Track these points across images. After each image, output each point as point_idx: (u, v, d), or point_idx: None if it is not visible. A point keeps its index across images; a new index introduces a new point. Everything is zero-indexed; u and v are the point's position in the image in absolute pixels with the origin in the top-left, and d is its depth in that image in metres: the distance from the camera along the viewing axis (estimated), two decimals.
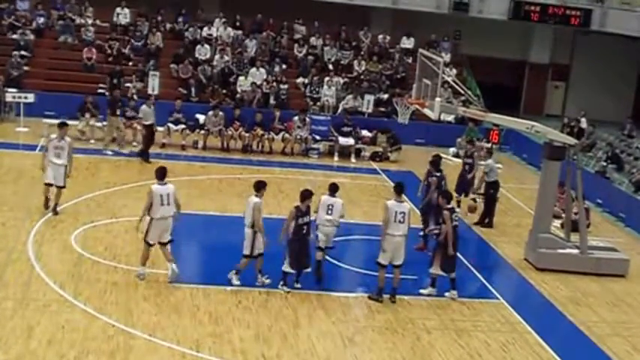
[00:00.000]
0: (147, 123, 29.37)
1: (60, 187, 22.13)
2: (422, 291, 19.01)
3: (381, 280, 18.31)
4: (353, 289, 19.04)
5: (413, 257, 21.04)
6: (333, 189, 19.17)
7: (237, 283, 18.20)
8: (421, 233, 22.01)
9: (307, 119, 32.98)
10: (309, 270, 18.48)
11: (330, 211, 18.76)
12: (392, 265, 18.27)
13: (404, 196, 18.51)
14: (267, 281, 18.33)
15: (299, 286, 18.45)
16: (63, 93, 34.13)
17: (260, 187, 18.24)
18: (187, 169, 28.24)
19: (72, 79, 36.03)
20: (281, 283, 18.28)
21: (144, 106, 29.77)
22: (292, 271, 18.29)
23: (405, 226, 18.02)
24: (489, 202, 24.88)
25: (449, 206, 18.88)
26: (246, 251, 18.12)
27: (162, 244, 18.07)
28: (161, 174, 18.04)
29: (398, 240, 17.99)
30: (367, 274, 18.95)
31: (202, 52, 38.33)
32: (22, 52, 36.12)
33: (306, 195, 18.24)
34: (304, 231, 18.13)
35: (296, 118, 32.89)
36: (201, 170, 28.25)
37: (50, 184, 22.12)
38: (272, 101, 36.18)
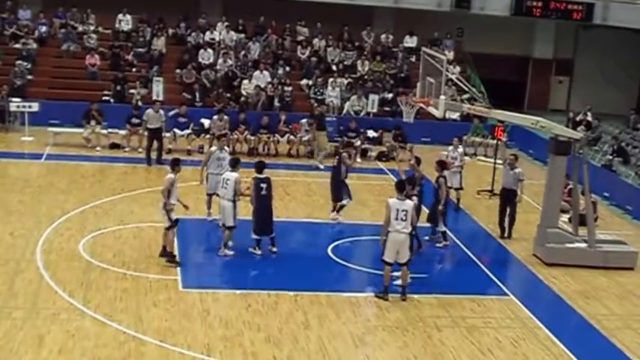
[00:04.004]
0: (151, 127, 29.49)
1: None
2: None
3: (386, 278, 18.33)
4: (362, 289, 19.02)
5: (423, 256, 21.14)
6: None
7: (232, 253, 20.37)
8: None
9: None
10: (273, 235, 20.61)
11: None
12: (398, 264, 18.31)
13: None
14: (231, 253, 20.41)
15: (259, 252, 20.45)
16: (67, 101, 34.17)
17: (235, 163, 20.87)
18: (194, 174, 28.18)
19: (76, 87, 36.07)
20: (255, 247, 20.52)
21: (150, 110, 29.97)
22: (258, 237, 20.46)
23: (408, 224, 18.00)
24: (508, 209, 23.72)
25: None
26: (231, 223, 20.27)
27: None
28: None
29: (401, 237, 17.98)
30: (376, 273, 18.91)
31: (205, 56, 38.37)
32: (25, 63, 36.17)
33: (262, 165, 20.77)
34: (266, 198, 20.40)
35: (304, 120, 32.89)
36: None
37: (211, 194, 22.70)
38: (276, 104, 36.19)
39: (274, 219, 20.89)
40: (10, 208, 23.05)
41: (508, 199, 23.57)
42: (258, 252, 20.45)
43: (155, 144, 29.46)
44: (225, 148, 23.80)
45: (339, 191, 23.79)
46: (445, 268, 22.04)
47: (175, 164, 19.79)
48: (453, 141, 26.78)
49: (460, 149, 26.71)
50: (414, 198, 19.68)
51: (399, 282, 18.67)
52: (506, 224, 23.74)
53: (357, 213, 24.63)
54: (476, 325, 17.42)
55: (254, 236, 20.46)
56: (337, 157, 24.67)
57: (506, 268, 21.86)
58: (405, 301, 18.24)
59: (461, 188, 26.28)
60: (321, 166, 30.22)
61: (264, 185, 20.41)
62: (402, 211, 17.96)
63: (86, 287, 17.72)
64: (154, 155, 29.30)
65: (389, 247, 18.07)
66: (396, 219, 17.91)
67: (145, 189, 25.47)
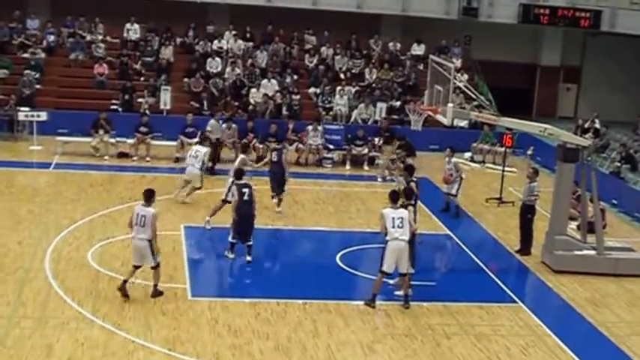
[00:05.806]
0: (214, 137, 30.31)
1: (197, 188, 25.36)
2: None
3: (376, 286, 18.33)
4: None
5: (430, 264, 21.14)
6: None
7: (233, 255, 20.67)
8: None
9: (320, 129, 32.99)
10: (250, 243, 20.50)
11: None
12: (399, 274, 18.33)
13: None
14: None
15: (232, 256, 20.58)
16: (75, 110, 34.24)
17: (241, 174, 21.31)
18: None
19: (84, 96, 36.14)
20: (228, 251, 20.71)
21: (212, 121, 31.28)
22: (235, 241, 20.57)
23: (406, 231, 17.94)
24: (525, 226, 23.38)
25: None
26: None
27: None
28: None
29: (401, 245, 17.91)
30: (385, 281, 18.85)
31: (213, 65, 38.41)
32: (33, 73, 36.23)
33: (242, 173, 21.24)
34: (247, 204, 20.44)
35: (310, 127, 32.90)
36: (216, 183, 28.21)
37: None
38: (284, 112, 36.20)
39: (264, 227, 21.23)
40: (19, 217, 23.11)
41: (522, 213, 23.31)
42: (231, 256, 20.61)
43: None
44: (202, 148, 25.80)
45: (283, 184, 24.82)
46: (453, 275, 21.99)
47: (152, 195, 18.18)
48: (446, 152, 26.70)
49: (454, 160, 26.56)
50: (410, 208, 19.50)
51: (400, 292, 18.69)
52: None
53: (366, 221, 24.61)
54: (484, 333, 17.41)
55: (231, 239, 20.62)
56: (277, 152, 25.39)
57: (514, 276, 21.82)
58: (409, 309, 18.22)
59: (455, 195, 26.24)
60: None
61: (246, 190, 20.50)
62: (398, 218, 17.91)
63: (95, 296, 17.75)
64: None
65: (389, 256, 18.00)
66: (393, 227, 17.87)
67: None
